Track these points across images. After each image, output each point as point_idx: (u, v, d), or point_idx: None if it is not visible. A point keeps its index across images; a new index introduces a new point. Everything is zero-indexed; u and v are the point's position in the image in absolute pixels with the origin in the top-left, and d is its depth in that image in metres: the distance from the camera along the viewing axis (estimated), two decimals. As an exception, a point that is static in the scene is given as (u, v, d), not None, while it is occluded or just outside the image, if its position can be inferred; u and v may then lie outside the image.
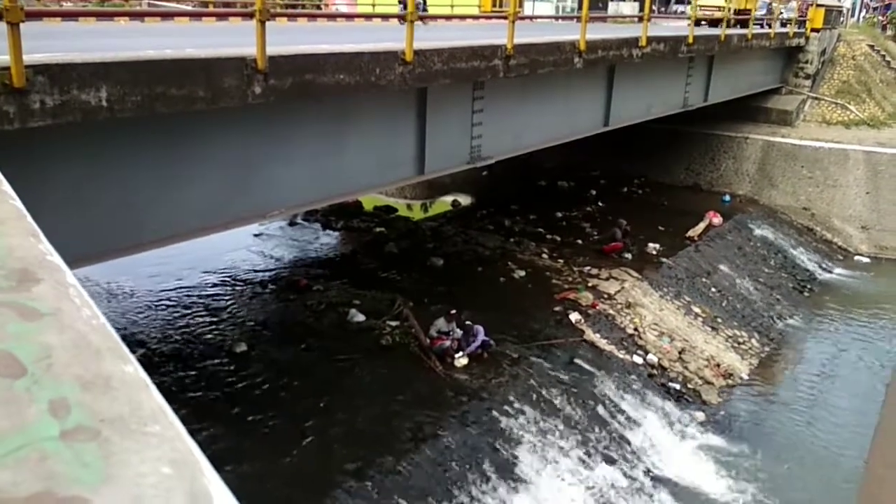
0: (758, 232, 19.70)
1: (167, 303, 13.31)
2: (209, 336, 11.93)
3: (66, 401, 0.88)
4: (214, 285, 14.20)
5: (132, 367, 0.99)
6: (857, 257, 20.34)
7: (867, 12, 46.05)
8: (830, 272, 19.45)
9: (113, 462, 0.78)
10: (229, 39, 9.38)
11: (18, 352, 0.98)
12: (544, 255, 16.04)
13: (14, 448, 0.79)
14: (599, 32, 13.71)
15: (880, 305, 17.25)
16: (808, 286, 18.37)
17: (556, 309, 13.42)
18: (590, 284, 14.61)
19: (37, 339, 1.02)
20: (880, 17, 41.52)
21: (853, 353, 15.18)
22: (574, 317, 13.11)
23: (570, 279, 14.86)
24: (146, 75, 5.81)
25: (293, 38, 9.32)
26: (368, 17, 18.40)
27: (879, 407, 12.71)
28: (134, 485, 0.75)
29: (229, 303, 13.40)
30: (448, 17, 17.92)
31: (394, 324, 12.11)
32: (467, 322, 11.49)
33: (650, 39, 13.52)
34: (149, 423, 0.86)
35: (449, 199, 22.18)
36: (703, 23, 20.84)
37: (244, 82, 6.54)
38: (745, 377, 13.68)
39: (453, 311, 11.52)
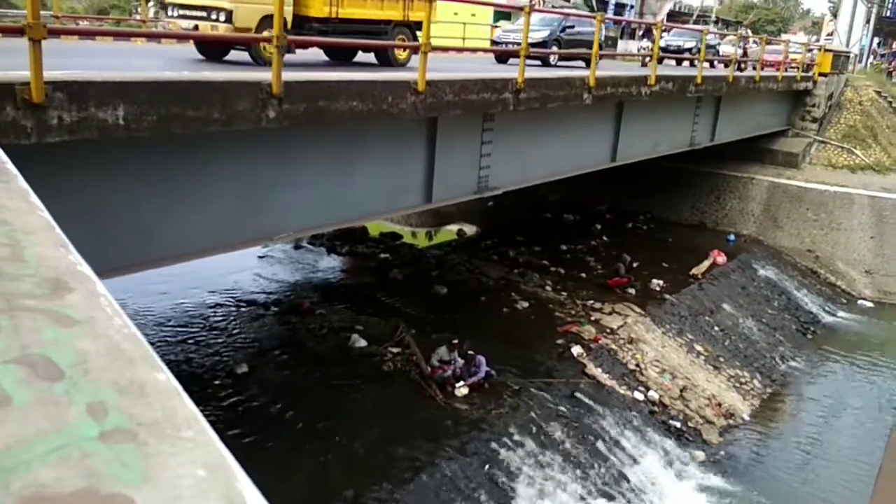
0: (762, 272, 19.70)
1: (170, 321, 13.32)
2: (211, 356, 11.92)
3: (103, 404, 0.91)
4: (218, 306, 14.22)
5: (164, 375, 1.03)
6: (860, 301, 20.30)
7: (874, 58, 46.49)
8: (834, 315, 19.41)
9: (151, 464, 0.81)
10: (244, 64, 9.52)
11: (55, 356, 1.01)
12: (548, 288, 16.05)
13: (56, 447, 0.82)
14: (608, 69, 13.84)
15: (883, 350, 17.18)
16: (812, 328, 18.32)
17: (559, 342, 13.39)
18: (592, 318, 14.59)
19: (72, 345, 1.05)
20: (887, 64, 41.92)
21: (855, 396, 15.11)
22: (576, 350, 13.07)
23: (573, 312, 14.84)
24: (163, 96, 5.89)
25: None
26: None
27: (881, 451, 12.61)
28: (173, 486, 0.78)
29: (232, 323, 13.40)
30: (459, 50, 18.12)
31: (395, 350, 12.09)
32: (469, 352, 11.48)
33: (659, 78, 13.67)
34: (183, 429, 0.89)
35: (454, 227, 22.25)
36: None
37: (259, 106, 6.63)
38: (747, 418, 13.60)
39: (455, 341, 11.50)
